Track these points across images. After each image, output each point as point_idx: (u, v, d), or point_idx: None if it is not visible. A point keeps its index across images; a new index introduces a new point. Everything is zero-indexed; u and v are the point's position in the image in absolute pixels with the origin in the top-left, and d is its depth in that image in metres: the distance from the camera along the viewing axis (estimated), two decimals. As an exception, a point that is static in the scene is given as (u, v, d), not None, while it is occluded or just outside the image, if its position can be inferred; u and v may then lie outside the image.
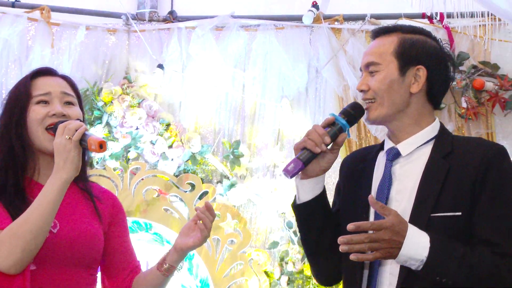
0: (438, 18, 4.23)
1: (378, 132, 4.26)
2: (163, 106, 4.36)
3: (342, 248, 1.94)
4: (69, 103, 2.26)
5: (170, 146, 4.24)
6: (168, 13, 4.52)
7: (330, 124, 2.14)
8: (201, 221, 2.22)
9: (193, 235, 2.24)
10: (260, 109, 4.39)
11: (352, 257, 1.93)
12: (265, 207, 4.26)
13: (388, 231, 1.93)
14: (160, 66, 4.34)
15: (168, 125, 4.26)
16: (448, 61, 2.24)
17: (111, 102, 4.21)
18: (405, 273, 2.04)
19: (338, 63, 4.32)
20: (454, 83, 4.10)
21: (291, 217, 4.17)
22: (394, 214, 1.95)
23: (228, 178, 4.26)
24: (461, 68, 4.20)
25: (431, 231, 2.00)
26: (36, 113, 2.20)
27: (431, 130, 2.19)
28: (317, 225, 2.22)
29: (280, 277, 4.12)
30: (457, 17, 4.01)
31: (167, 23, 4.50)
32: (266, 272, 4.12)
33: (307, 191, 2.19)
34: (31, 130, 2.21)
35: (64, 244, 2.17)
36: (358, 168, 2.28)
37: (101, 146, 2.07)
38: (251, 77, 4.41)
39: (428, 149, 2.16)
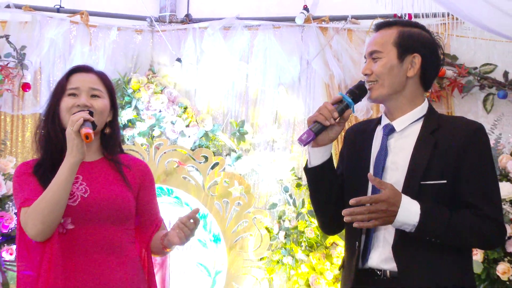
0: (407, 18, 4.15)
1: (358, 113, 4.33)
2: (181, 93, 4.44)
3: (346, 219, 1.99)
4: (96, 96, 2.32)
5: (187, 126, 4.32)
6: (185, 16, 4.60)
7: (338, 102, 2.16)
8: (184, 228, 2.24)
9: (180, 235, 2.24)
10: (261, 94, 4.46)
11: (355, 224, 1.99)
12: (266, 175, 4.33)
13: (385, 203, 1.98)
14: (178, 59, 4.40)
15: (185, 108, 4.34)
16: (439, 50, 2.25)
17: (139, 89, 4.31)
18: (398, 237, 2.07)
19: (325, 56, 4.38)
20: (421, 71, 4.33)
21: (287, 183, 4.25)
22: (390, 188, 2.01)
23: (235, 151, 4.34)
24: (426, 59, 4.36)
25: (422, 197, 2.05)
26: (65, 103, 2.29)
27: (421, 109, 2.22)
28: (325, 184, 2.25)
29: (278, 232, 4.16)
30: (423, 17, 4.00)
31: (184, 24, 4.56)
32: (267, 228, 4.19)
33: (318, 157, 2.21)
34: (62, 117, 2.30)
35: (94, 206, 2.23)
36: (359, 139, 2.29)
37: (87, 137, 2.11)
38: (253, 68, 4.47)
39: (418, 125, 2.20)
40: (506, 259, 3.29)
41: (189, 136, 4.34)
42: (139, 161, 2.51)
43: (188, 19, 4.62)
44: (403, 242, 2.07)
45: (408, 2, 3.97)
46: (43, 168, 2.27)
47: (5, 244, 3.36)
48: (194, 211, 2.24)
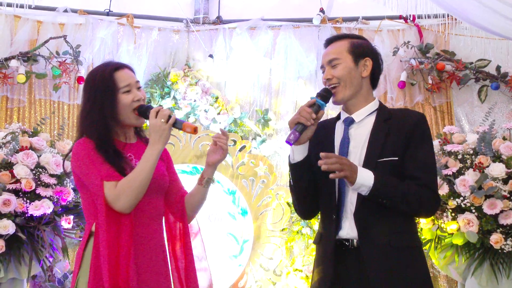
0: (411, 18, 4.31)
1: None
2: (213, 85, 4.43)
3: (323, 168, 2.09)
4: (139, 88, 2.38)
5: (218, 113, 4.33)
6: (216, 17, 4.60)
7: (312, 104, 2.23)
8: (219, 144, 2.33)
9: (218, 153, 2.34)
10: (283, 86, 4.45)
11: (331, 175, 2.10)
12: (287, 157, 4.28)
13: (347, 161, 2.15)
14: (211, 56, 4.42)
15: (216, 98, 4.34)
16: (380, 57, 2.42)
17: (176, 82, 4.31)
18: (358, 206, 2.21)
19: None
20: (423, 65, 4.18)
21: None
22: (344, 158, 2.18)
23: (260, 136, 4.34)
24: (427, 55, 4.23)
25: (378, 171, 2.18)
26: (125, 100, 2.30)
27: (374, 104, 2.37)
28: (306, 176, 2.31)
29: (297, 207, 4.25)
30: (425, 17, 4.09)
31: (215, 25, 4.56)
32: (287, 203, 4.15)
33: (300, 153, 2.27)
34: (121, 111, 2.30)
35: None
36: (321, 133, 2.36)
37: (195, 130, 2.23)
38: (275, 63, 4.45)
39: (373, 117, 2.34)
40: (498, 230, 3.28)
41: (220, 123, 4.35)
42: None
43: (219, 20, 4.62)
44: (362, 210, 2.20)
45: (412, 4, 3.97)
46: (106, 151, 2.25)
47: (64, 215, 3.41)
48: (222, 130, 2.39)
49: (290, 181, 2.38)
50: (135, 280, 2.16)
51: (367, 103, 2.37)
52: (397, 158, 2.24)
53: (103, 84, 2.31)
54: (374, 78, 2.40)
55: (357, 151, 2.29)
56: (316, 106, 2.23)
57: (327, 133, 2.37)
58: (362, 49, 2.36)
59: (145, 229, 2.28)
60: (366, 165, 2.22)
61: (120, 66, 2.38)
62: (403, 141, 2.26)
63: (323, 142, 2.32)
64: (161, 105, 2.36)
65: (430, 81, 4.27)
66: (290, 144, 2.20)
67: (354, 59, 2.34)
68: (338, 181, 2.28)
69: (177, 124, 2.23)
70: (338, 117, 2.45)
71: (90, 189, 2.23)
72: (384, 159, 2.23)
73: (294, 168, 2.31)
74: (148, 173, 2.20)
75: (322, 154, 2.12)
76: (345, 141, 2.32)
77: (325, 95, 2.29)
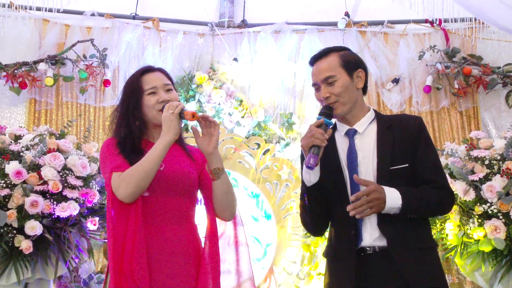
0: (437, 22, 4.30)
1: (393, 107, 4.33)
2: (237, 88, 4.44)
3: (351, 213, 2.14)
4: (169, 90, 2.37)
5: (242, 117, 4.34)
6: (241, 21, 4.62)
7: (320, 124, 2.21)
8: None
9: (205, 139, 2.25)
10: (307, 89, 4.41)
11: (357, 216, 2.16)
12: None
13: (376, 192, 2.15)
14: (235, 59, 4.43)
15: (241, 101, 4.36)
16: (364, 63, 2.43)
17: (201, 85, 4.33)
18: (380, 218, 2.23)
19: (363, 56, 4.23)
20: (449, 70, 4.16)
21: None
22: (372, 182, 2.19)
23: (284, 139, 4.33)
24: (454, 59, 4.22)
25: (392, 179, 2.22)
26: (149, 102, 2.33)
27: (371, 113, 2.39)
28: (322, 196, 2.30)
29: (321, 211, 4.19)
30: (452, 21, 4.15)
31: (240, 28, 4.58)
32: None
33: (315, 175, 2.25)
34: (146, 112, 2.34)
35: (168, 178, 2.28)
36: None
37: (193, 116, 2.20)
38: (300, 67, 4.44)
39: (374, 125, 2.36)
40: (525, 237, 3.23)
41: (244, 126, 4.36)
42: (197, 149, 2.50)
43: (243, 24, 4.64)
44: (385, 221, 2.23)
45: (438, 8, 3.98)
46: (126, 150, 2.30)
47: (90, 216, 3.43)
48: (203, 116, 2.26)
49: (304, 203, 2.34)
50: (145, 278, 2.14)
51: (364, 113, 2.38)
52: (407, 165, 2.27)
53: (130, 87, 2.38)
54: (365, 87, 2.41)
55: (367, 161, 2.29)
56: (324, 126, 2.22)
57: (328, 146, 2.29)
58: (353, 61, 2.37)
59: (162, 229, 2.26)
60: (380, 174, 2.25)
61: (148, 70, 2.42)
62: (410, 147, 2.29)
63: (327, 157, 2.27)
64: (181, 102, 2.30)
65: (456, 86, 4.24)
66: (312, 169, 2.18)
67: (348, 73, 2.34)
68: (351, 197, 2.26)
69: (182, 114, 2.22)
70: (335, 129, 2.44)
71: (105, 182, 2.27)
72: (396, 167, 2.26)
73: (311, 190, 2.28)
74: (152, 163, 2.18)
75: (351, 198, 2.17)
76: (353, 152, 2.32)
77: (329, 113, 2.29)
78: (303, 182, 2.30)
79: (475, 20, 4.11)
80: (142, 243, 2.18)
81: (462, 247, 3.41)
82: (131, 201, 2.19)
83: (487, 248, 3.29)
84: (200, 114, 2.26)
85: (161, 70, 2.45)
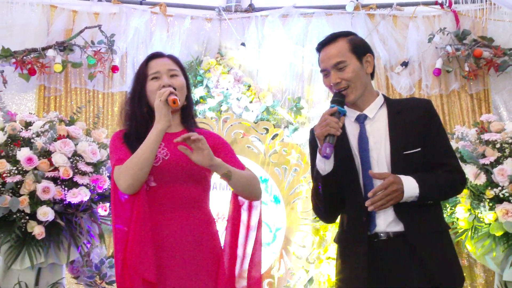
0: (447, 4, 4.26)
1: (402, 90, 4.31)
2: (245, 73, 4.43)
3: (370, 209, 2.14)
4: (174, 75, 2.37)
5: (251, 101, 4.33)
6: (248, 5, 4.60)
7: (333, 113, 2.19)
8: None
9: (198, 154, 2.18)
10: (315, 74, 4.38)
11: (376, 210, 2.15)
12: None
13: (394, 184, 2.14)
14: (243, 44, 4.41)
15: (249, 86, 4.35)
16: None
17: (209, 70, 4.33)
18: (396, 204, 2.20)
19: (372, 40, 4.33)
20: (459, 52, 4.12)
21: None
22: (390, 174, 2.17)
23: (292, 124, 4.32)
24: (464, 41, 4.18)
25: (406, 164, 2.22)
26: (151, 86, 2.35)
27: (381, 98, 2.38)
28: (336, 185, 2.28)
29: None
30: (462, 3, 4.11)
31: (247, 13, 4.56)
32: None
33: (330, 164, 2.23)
34: (149, 97, 2.35)
35: (174, 167, 2.27)
36: None
37: (174, 102, 2.20)
38: (308, 50, 4.42)
39: (384, 110, 2.34)
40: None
41: (252, 111, 4.35)
42: (211, 132, 2.52)
43: (251, 8, 4.62)
44: (401, 205, 2.20)
45: (448, -11, 3.91)
46: (131, 139, 2.33)
47: (100, 202, 3.45)
48: (178, 142, 2.18)
49: (318, 191, 2.32)
50: (151, 265, 2.15)
51: (374, 98, 2.37)
52: (420, 149, 2.25)
53: (137, 73, 2.41)
54: (372, 71, 2.40)
55: (379, 147, 2.28)
56: (337, 114, 2.20)
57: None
58: (362, 46, 2.35)
59: (172, 216, 2.25)
60: (393, 159, 2.24)
61: (155, 55, 2.43)
62: (422, 131, 2.28)
63: (337, 143, 2.23)
64: (174, 87, 2.30)
65: (466, 68, 4.21)
66: (328, 158, 2.16)
67: (358, 57, 2.32)
68: (363, 182, 2.27)
69: (168, 101, 2.22)
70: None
71: (110, 176, 2.30)
72: (410, 151, 2.25)
73: (326, 179, 2.26)
74: (145, 154, 2.18)
75: (370, 194, 2.15)
76: (364, 138, 2.30)
77: (341, 101, 2.27)
78: (317, 171, 2.27)
79: (486, 1, 4.11)
80: (147, 233, 2.18)
81: (473, 231, 3.40)
82: (132, 192, 2.20)
83: (498, 232, 3.29)
84: (180, 138, 2.18)
85: (170, 57, 2.44)
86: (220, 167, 2.23)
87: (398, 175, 2.18)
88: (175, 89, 2.30)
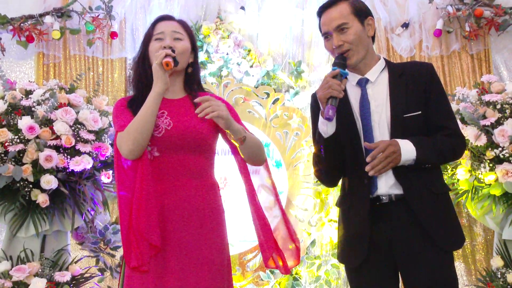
0: None
1: (403, 52, 4.29)
2: (245, 37, 4.37)
3: (370, 173, 2.16)
4: (178, 39, 2.33)
5: (251, 66, 4.29)
6: None
7: (335, 75, 2.20)
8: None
9: (217, 121, 2.18)
10: (315, 37, 4.34)
11: (377, 174, 2.17)
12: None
13: (391, 146, 2.16)
14: (242, 8, 4.37)
15: (249, 50, 4.31)
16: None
17: (208, 35, 4.28)
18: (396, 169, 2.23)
19: (372, 1, 4.27)
20: (460, 12, 4.07)
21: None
22: (382, 141, 2.19)
23: (293, 88, 4.30)
24: (465, 1, 4.13)
25: (406, 127, 2.23)
26: (153, 47, 2.33)
27: (382, 61, 2.39)
28: (338, 148, 2.29)
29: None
30: None
31: None
32: None
33: (332, 126, 2.24)
34: (151, 59, 2.33)
35: (176, 136, 2.25)
36: None
37: (167, 65, 2.19)
38: (308, 13, 4.37)
39: (385, 74, 2.35)
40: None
41: (252, 75, 4.32)
42: (216, 96, 2.46)
43: (250, -30, 4.50)
44: (399, 168, 2.22)
45: None
46: (136, 103, 2.31)
47: (103, 170, 3.46)
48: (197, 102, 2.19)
49: (320, 155, 2.32)
50: (156, 230, 2.17)
51: (375, 61, 2.37)
52: (420, 112, 2.26)
53: (144, 35, 2.40)
54: (374, 35, 2.41)
55: (381, 110, 2.28)
56: (339, 76, 2.20)
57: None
58: (364, 9, 2.35)
59: (175, 184, 2.25)
60: (394, 122, 2.24)
61: (164, 18, 2.41)
62: (423, 94, 2.28)
63: (338, 107, 2.24)
64: (172, 49, 2.27)
65: (467, 29, 4.17)
66: (330, 120, 2.17)
67: (360, 20, 2.32)
68: (364, 148, 2.28)
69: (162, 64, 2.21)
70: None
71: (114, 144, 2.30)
72: (410, 114, 2.25)
73: (328, 141, 2.26)
74: (144, 118, 2.18)
75: (368, 159, 2.17)
76: (365, 101, 2.31)
77: (343, 63, 2.27)
78: (319, 134, 2.28)
79: (487, -41, 3.99)
80: (152, 199, 2.19)
81: (473, 192, 3.42)
82: (134, 157, 2.20)
83: (498, 192, 3.31)
84: (199, 99, 2.18)
85: (179, 21, 2.41)
86: (237, 132, 2.22)
87: (395, 139, 2.20)
88: (174, 51, 2.26)
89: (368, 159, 2.16)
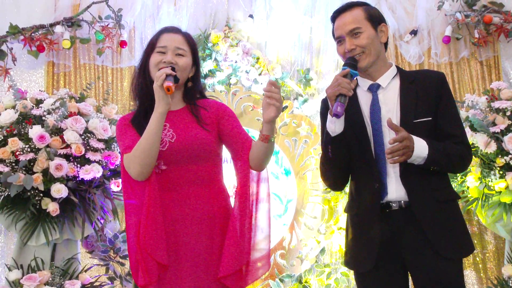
0: None
1: (411, 59, 4.27)
2: (254, 45, 4.36)
3: (390, 161, 2.15)
4: (180, 55, 2.33)
5: (260, 74, 4.28)
6: None
7: (346, 74, 2.23)
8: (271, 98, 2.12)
9: (271, 109, 2.13)
10: (324, 45, 4.35)
11: (391, 161, 2.16)
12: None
13: (407, 140, 2.16)
14: (251, 16, 4.37)
15: (258, 58, 4.30)
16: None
17: (217, 43, 4.27)
18: (404, 164, 2.23)
19: (380, 8, 4.11)
20: (469, 19, 4.06)
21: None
22: (404, 130, 2.18)
23: (302, 95, 4.29)
24: (474, 7, 4.12)
25: (415, 133, 2.21)
26: (154, 59, 2.32)
27: (394, 68, 2.42)
28: (346, 149, 2.30)
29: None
30: None
31: None
32: None
33: (340, 125, 2.25)
34: (151, 71, 2.33)
35: (181, 148, 2.26)
36: None
37: (168, 90, 2.17)
38: (316, 21, 4.37)
39: (396, 80, 2.38)
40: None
41: (261, 83, 4.29)
42: (216, 102, 2.47)
43: (258, -21, 4.50)
44: (407, 173, 2.24)
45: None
46: (138, 118, 2.33)
47: (113, 178, 3.47)
48: (270, 81, 2.14)
49: (327, 156, 2.32)
50: (163, 248, 2.17)
51: (387, 68, 2.40)
52: (430, 118, 2.28)
53: (148, 44, 2.39)
54: (386, 42, 2.45)
55: (391, 115, 2.29)
56: (349, 76, 2.23)
57: (351, 102, 2.30)
58: (377, 15, 2.40)
59: (183, 192, 2.26)
60: (403, 126, 2.23)
61: (169, 29, 2.40)
62: (433, 101, 2.30)
63: (350, 112, 2.28)
64: (173, 67, 2.27)
65: (476, 35, 4.15)
66: (338, 117, 2.17)
67: (373, 26, 2.36)
68: (374, 150, 2.30)
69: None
70: (357, 84, 2.43)
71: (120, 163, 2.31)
72: (420, 120, 2.27)
73: (335, 140, 2.27)
74: (150, 140, 2.17)
75: (390, 140, 2.15)
76: (376, 106, 2.32)
77: (354, 64, 2.29)
78: (327, 133, 2.29)
79: (496, -35, 3.98)
80: (159, 215, 2.20)
81: (483, 199, 3.40)
82: (144, 179, 2.20)
83: (508, 199, 3.29)
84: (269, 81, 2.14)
85: (183, 34, 2.39)
86: (268, 130, 2.19)
87: (411, 135, 2.20)
88: (173, 69, 2.25)
89: (390, 141, 2.16)
